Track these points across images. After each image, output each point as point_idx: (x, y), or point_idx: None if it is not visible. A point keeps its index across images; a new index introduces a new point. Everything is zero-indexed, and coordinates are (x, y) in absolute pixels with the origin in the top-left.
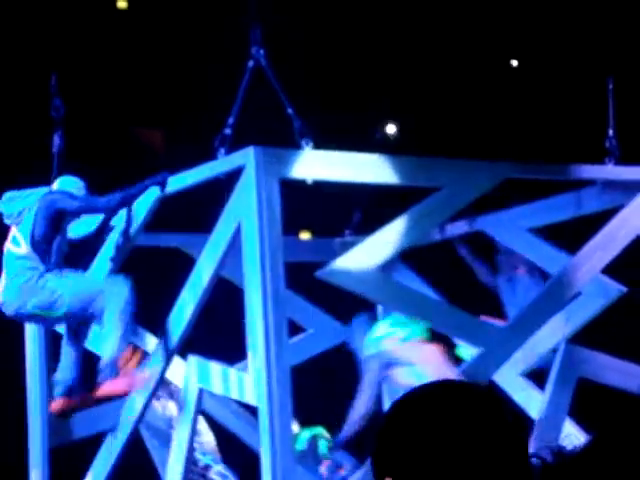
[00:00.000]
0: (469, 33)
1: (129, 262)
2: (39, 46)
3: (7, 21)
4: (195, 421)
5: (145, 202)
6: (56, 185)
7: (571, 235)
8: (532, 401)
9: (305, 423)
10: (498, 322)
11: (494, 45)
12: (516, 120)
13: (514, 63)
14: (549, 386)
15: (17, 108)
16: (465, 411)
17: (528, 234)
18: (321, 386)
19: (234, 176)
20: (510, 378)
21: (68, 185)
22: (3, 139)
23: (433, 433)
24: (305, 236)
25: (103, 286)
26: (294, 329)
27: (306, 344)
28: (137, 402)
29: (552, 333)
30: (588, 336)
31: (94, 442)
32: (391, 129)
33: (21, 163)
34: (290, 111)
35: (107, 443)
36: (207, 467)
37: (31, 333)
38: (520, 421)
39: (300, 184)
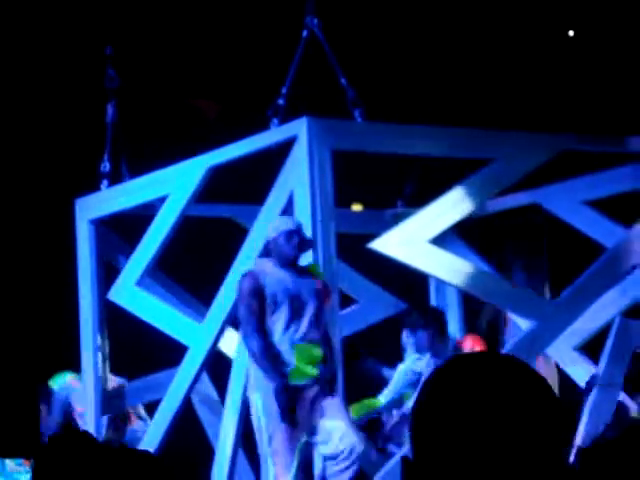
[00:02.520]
0: (526, 2)
1: (182, 233)
2: (94, 17)
3: None
4: (245, 391)
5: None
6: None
7: (627, 208)
8: (586, 375)
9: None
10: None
11: (551, 15)
12: (574, 91)
13: (571, 33)
14: (603, 360)
15: (72, 79)
16: (502, 384)
17: (584, 207)
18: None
19: (287, 146)
20: (564, 352)
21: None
22: (59, 110)
23: (467, 406)
24: (357, 208)
25: None
26: (345, 300)
27: (357, 316)
28: (189, 371)
29: (607, 306)
30: None
31: (147, 411)
32: None
33: (76, 133)
34: (343, 81)
35: (159, 412)
36: None
37: (86, 325)
38: (557, 402)
39: (352, 155)
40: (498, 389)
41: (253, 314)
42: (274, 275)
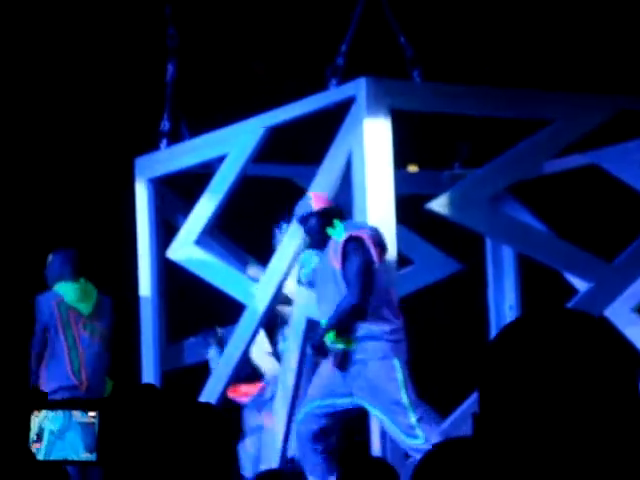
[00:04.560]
0: None
1: (241, 192)
2: None
3: None
4: (303, 349)
5: None
6: None
7: None
8: None
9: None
10: None
11: None
12: (635, 51)
13: None
14: None
15: (132, 38)
16: (570, 336)
17: None
18: (427, 319)
19: (345, 107)
20: (621, 314)
21: None
22: (119, 69)
23: (535, 359)
24: (413, 168)
25: None
26: (401, 261)
27: (413, 276)
28: (246, 330)
29: None
30: None
31: (205, 368)
32: None
33: (136, 92)
34: (402, 40)
35: (218, 369)
36: None
37: (145, 283)
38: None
39: (410, 115)
40: (567, 341)
41: None
42: None
